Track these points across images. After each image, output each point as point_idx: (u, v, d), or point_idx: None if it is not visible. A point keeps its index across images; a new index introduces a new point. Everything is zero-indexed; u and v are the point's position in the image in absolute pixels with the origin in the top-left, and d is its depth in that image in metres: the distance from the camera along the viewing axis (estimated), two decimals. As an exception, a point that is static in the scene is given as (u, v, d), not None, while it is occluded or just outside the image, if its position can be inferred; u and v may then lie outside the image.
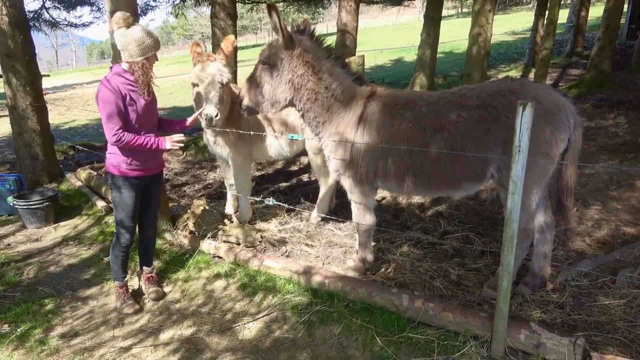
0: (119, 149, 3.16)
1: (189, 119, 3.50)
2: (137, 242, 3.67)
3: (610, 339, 2.70)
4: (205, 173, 6.83)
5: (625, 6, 15.22)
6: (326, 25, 57.65)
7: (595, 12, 21.74)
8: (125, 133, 3.04)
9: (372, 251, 3.65)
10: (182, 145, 3.32)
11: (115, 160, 3.20)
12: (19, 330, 3.23)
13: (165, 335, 3.16)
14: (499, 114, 2.79)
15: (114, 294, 3.62)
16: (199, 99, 3.86)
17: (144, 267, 3.72)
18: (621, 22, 11.80)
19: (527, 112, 2.13)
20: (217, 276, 3.80)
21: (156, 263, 3.98)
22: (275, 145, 4.52)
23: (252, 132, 4.12)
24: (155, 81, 3.31)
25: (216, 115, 3.79)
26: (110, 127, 3.00)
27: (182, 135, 3.31)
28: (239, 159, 4.45)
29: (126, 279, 3.58)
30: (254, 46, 51.35)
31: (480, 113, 2.86)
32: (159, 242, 4.25)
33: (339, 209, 4.91)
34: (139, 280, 3.78)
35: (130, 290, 3.63)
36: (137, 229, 3.51)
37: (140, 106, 3.13)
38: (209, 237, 4.22)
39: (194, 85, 3.86)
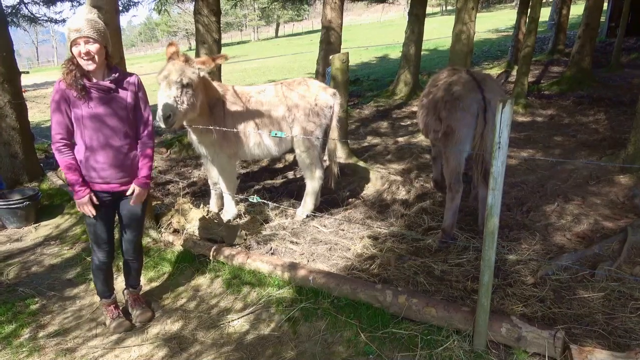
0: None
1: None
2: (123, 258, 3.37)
3: (589, 331, 2.76)
4: (190, 171, 6.78)
5: (606, 4, 15.48)
6: (311, 22, 57.66)
7: (577, 10, 22.06)
8: (64, 151, 2.74)
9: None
10: (91, 213, 2.85)
11: None
12: (-1, 331, 3.19)
13: (150, 333, 3.14)
14: None
15: (102, 312, 3.30)
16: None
17: (129, 289, 3.39)
18: (601, 20, 12.00)
19: (507, 109, 2.16)
20: (202, 274, 3.79)
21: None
22: (262, 144, 4.48)
23: (234, 130, 4.10)
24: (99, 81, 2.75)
25: (168, 117, 3.64)
26: (53, 136, 2.73)
27: (92, 207, 2.84)
28: (224, 158, 4.42)
29: (113, 295, 3.25)
30: (238, 43, 51.04)
31: None
32: (143, 240, 4.20)
33: (324, 207, 4.92)
34: (124, 296, 3.49)
35: (119, 307, 3.30)
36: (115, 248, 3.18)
37: (81, 114, 2.71)
38: (193, 235, 4.20)
39: (159, 84, 3.82)
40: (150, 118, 3.01)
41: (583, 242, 3.86)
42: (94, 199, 2.85)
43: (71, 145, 2.81)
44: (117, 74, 2.80)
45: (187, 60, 3.82)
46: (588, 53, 9.98)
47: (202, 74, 3.92)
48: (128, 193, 2.95)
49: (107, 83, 2.75)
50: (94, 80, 2.74)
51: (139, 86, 2.93)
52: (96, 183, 2.87)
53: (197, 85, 3.88)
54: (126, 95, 2.84)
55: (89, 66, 2.66)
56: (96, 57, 2.65)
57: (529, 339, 2.56)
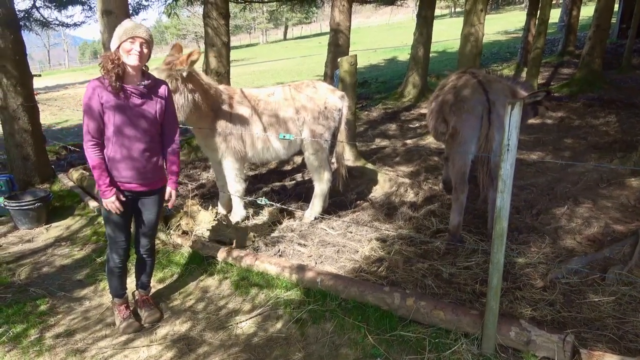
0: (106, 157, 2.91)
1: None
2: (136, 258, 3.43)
3: (599, 336, 2.73)
4: (199, 173, 6.82)
5: (616, 6, 15.34)
6: (320, 25, 57.74)
7: (587, 11, 21.89)
8: (95, 151, 2.81)
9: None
10: (117, 210, 2.91)
11: None
12: (10, 331, 3.22)
13: (159, 333, 3.16)
14: None
15: (113, 312, 3.33)
16: None
17: (139, 289, 3.43)
18: (612, 21, 11.89)
19: (516, 112, 2.15)
20: (211, 275, 3.81)
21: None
22: (271, 147, 4.49)
23: (242, 132, 4.12)
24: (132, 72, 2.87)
25: None
26: (84, 135, 2.82)
27: (118, 203, 2.89)
28: (231, 161, 4.43)
29: (125, 295, 3.30)
30: (247, 46, 51.25)
31: None
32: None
33: (332, 209, 4.93)
34: (133, 297, 3.52)
35: (131, 307, 3.35)
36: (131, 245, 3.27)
37: (113, 115, 2.81)
38: (201, 237, 4.22)
39: None
40: (177, 133, 3.15)
41: (593, 245, 3.82)
42: (121, 196, 2.93)
43: (101, 145, 2.87)
44: (149, 81, 2.94)
45: (168, 62, 3.88)
46: (599, 55, 9.88)
47: (184, 74, 3.89)
48: (166, 197, 3.18)
49: (141, 87, 2.88)
50: (129, 82, 2.87)
51: (168, 95, 3.06)
52: (117, 182, 2.94)
53: (173, 87, 3.85)
54: (156, 101, 2.97)
55: (134, 61, 2.79)
56: (143, 58, 2.84)
57: (538, 343, 2.54)
